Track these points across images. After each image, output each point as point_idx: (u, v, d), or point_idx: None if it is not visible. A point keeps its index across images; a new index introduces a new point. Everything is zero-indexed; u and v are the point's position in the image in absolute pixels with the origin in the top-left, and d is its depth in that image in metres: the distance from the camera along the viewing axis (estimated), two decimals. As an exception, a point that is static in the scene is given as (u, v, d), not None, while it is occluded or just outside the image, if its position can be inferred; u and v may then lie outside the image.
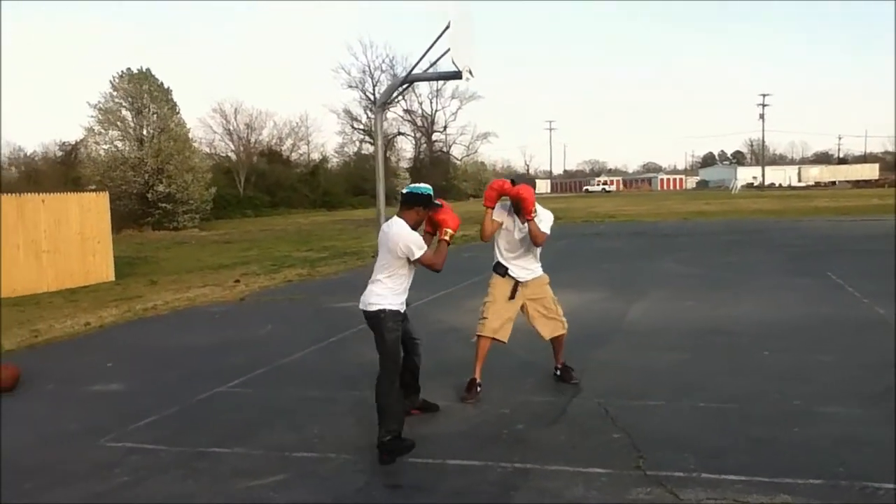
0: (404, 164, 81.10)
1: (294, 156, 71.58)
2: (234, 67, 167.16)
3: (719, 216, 32.59)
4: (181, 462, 4.78)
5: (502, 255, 5.98)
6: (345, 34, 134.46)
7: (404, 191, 5.05)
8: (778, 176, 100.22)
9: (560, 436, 5.02)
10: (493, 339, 5.94)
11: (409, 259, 4.82)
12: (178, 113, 37.89)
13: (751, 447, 4.64)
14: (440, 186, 79.64)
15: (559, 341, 6.21)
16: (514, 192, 5.62)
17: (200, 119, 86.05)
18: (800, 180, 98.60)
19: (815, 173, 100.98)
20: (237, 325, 9.75)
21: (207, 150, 57.50)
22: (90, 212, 15.35)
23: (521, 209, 5.68)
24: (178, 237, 31.01)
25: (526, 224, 5.73)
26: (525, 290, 5.99)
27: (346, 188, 62.56)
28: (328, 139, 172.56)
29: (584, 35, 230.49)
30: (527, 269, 5.98)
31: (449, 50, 9.22)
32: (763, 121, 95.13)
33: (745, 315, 9.06)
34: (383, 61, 75.69)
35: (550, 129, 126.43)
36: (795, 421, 5.09)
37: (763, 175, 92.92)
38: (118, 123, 36.84)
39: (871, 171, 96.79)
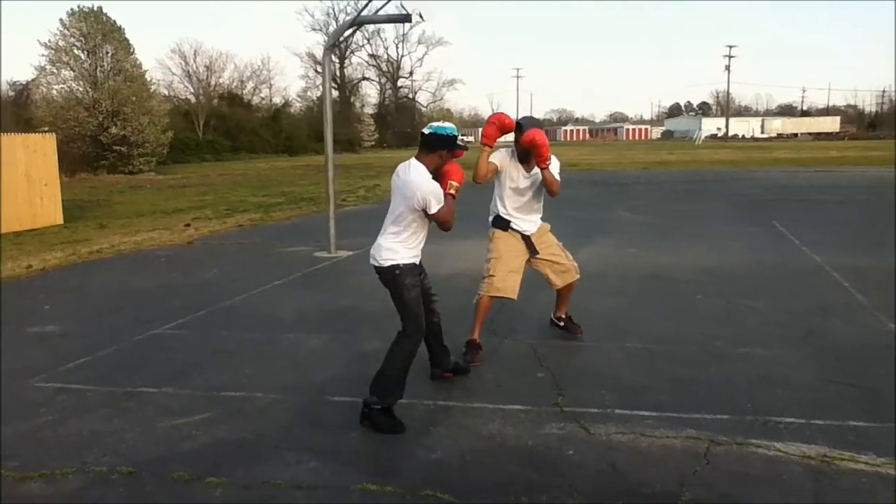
0: (369, 110, 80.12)
1: (255, 100, 70.32)
2: (194, 7, 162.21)
3: (680, 166, 32.86)
4: (108, 402, 4.79)
5: (505, 208, 5.50)
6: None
7: (426, 131, 4.32)
8: (742, 127, 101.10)
9: (488, 375, 5.12)
10: (503, 297, 5.50)
11: (425, 211, 4.21)
12: (132, 53, 36.79)
13: (669, 386, 4.79)
14: (406, 133, 79.15)
15: (566, 291, 5.82)
16: (529, 137, 5.09)
17: (159, 60, 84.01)
18: (763, 132, 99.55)
19: (777, 125, 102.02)
20: (182, 268, 9.68)
21: (166, 92, 56.21)
22: (36, 153, 14.95)
23: (535, 155, 5.18)
24: (133, 181, 30.41)
25: (532, 173, 5.34)
26: (533, 240, 5.59)
27: (308, 133, 61.63)
28: (291, 83, 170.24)
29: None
30: (531, 220, 5.57)
31: (396, -9, 9.06)
32: (729, 72, 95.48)
33: (687, 262, 9.24)
34: (348, 3, 73.92)
35: (517, 77, 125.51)
36: (715, 362, 5.25)
37: (727, 126, 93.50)
38: (71, 63, 35.69)
39: (832, 124, 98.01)
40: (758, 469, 3.57)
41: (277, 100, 73.37)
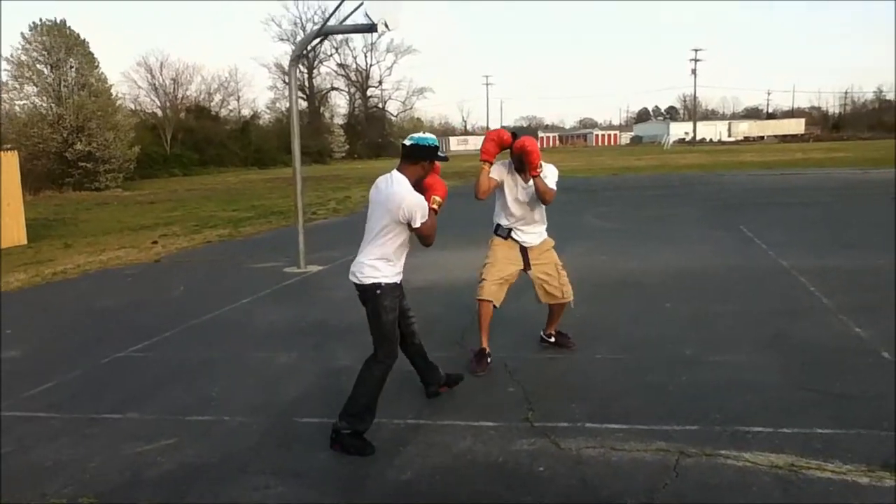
0: (339, 121, 79.94)
1: (223, 112, 69.75)
2: (159, 19, 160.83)
3: (649, 171, 33.15)
4: (72, 429, 4.68)
5: (506, 219, 5.50)
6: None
7: (407, 142, 4.24)
8: (709, 131, 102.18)
9: (458, 391, 5.07)
10: (489, 301, 5.44)
11: (409, 225, 4.11)
12: (97, 67, 36.37)
13: (639, 397, 4.80)
14: (376, 143, 79.06)
15: (557, 309, 5.76)
16: (519, 144, 5.10)
17: (124, 73, 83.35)
18: (730, 135, 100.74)
19: (744, 128, 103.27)
20: (149, 287, 9.54)
21: (132, 106, 55.60)
22: (-2, 172, 14.68)
23: (525, 164, 5.18)
24: (99, 198, 30.00)
25: (530, 182, 5.29)
26: (529, 254, 5.53)
27: (278, 145, 61.10)
28: (259, 94, 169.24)
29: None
30: (532, 232, 5.52)
31: (362, 3, 9.01)
32: (695, 76, 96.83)
33: (656, 267, 9.29)
34: (315, 13, 73.79)
35: (487, 85, 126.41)
36: (685, 369, 5.27)
37: (694, 130, 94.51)
38: (34, 78, 35.18)
39: (797, 126, 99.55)
40: (727, 480, 3.58)
41: (246, 112, 72.92)
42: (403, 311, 4.46)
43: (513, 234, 5.51)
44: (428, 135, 4.28)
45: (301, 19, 75.85)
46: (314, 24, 69.39)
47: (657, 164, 38.85)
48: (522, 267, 5.54)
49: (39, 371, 5.95)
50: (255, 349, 6.37)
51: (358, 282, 4.26)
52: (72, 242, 14.76)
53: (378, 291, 4.16)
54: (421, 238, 4.18)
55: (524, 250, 5.52)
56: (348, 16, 10.18)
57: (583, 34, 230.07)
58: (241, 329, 7.12)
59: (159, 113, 60.96)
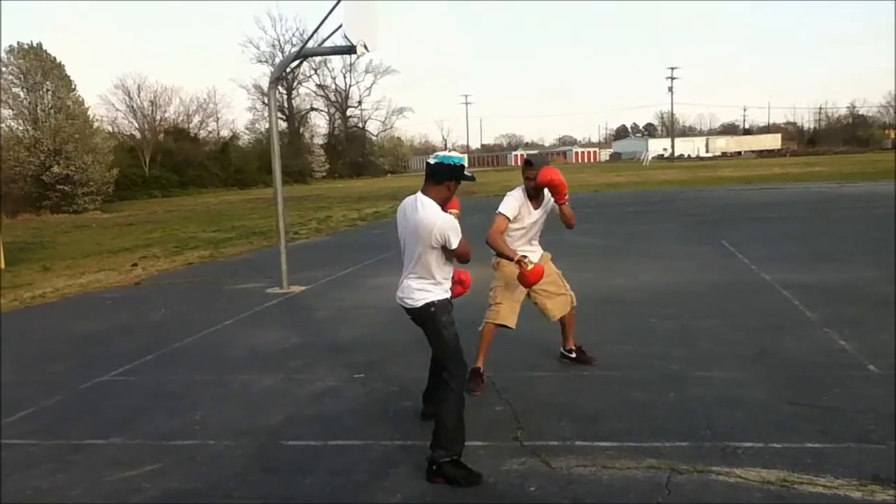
0: (319, 141, 79.98)
1: (202, 133, 69.76)
2: (137, 41, 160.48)
3: (629, 187, 33.37)
4: (53, 456, 4.59)
5: (511, 240, 5.45)
6: (253, 6, 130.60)
7: (431, 160, 4.05)
8: (687, 147, 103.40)
9: (446, 410, 5.03)
10: (504, 325, 5.49)
11: (444, 247, 3.98)
12: (74, 90, 36.17)
13: (628, 414, 4.77)
14: (356, 163, 79.11)
15: (569, 320, 5.79)
16: (547, 178, 5.14)
17: (101, 96, 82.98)
18: (707, 151, 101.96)
19: (721, 144, 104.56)
20: (130, 310, 9.42)
21: (110, 128, 55.33)
22: (-26, 196, 14.50)
23: (554, 194, 5.29)
24: (78, 220, 29.72)
25: (539, 209, 5.48)
26: None
27: (258, 166, 61.04)
28: (239, 115, 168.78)
29: (496, 5, 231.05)
30: (530, 250, 5.54)
31: (341, 25, 9.02)
32: (672, 94, 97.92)
33: (640, 283, 9.32)
34: (293, 35, 73.91)
35: (466, 104, 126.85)
36: (672, 385, 5.26)
37: (673, 146, 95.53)
38: (10, 101, 34.94)
39: (773, 142, 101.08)
40: (719, 496, 3.55)
41: (225, 133, 72.90)
42: None
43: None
44: (453, 153, 4.13)
45: (279, 41, 75.95)
46: (292, 45, 69.65)
47: (637, 181, 39.11)
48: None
49: (19, 397, 5.83)
50: (239, 371, 6.28)
51: (409, 306, 4.13)
52: (50, 266, 14.57)
53: (433, 310, 4.04)
54: (458, 258, 4.05)
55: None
56: (327, 38, 10.20)
57: (560, 53, 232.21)
58: (225, 351, 7.04)
59: (138, 135, 60.83)
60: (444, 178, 4.00)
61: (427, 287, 4.05)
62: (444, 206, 4.04)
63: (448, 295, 4.14)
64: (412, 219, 4.00)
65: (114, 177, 37.50)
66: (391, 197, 32.46)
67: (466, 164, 4.16)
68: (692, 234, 14.57)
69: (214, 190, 54.52)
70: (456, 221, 3.97)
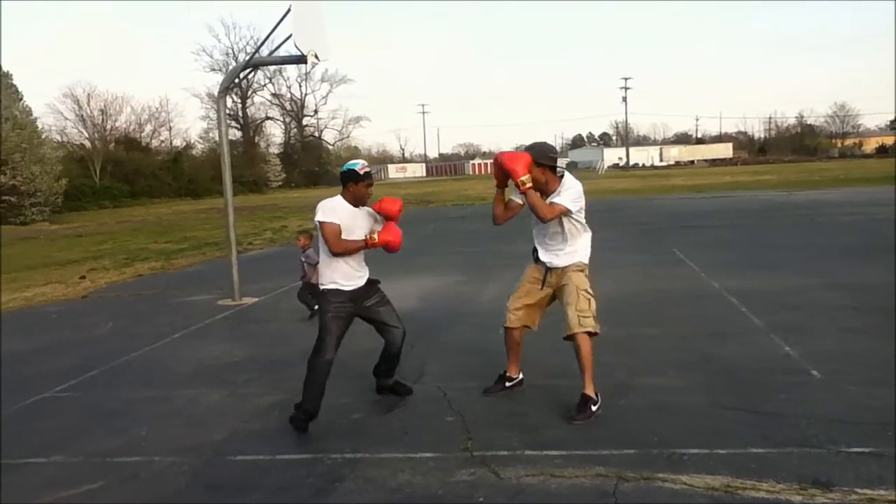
0: (274, 150, 79.30)
1: (154, 142, 68.69)
2: (86, 49, 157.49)
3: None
4: (-12, 476, 4.43)
5: (534, 238, 5.23)
6: (205, 14, 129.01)
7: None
8: (642, 156, 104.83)
9: (395, 422, 5.00)
10: (524, 326, 5.29)
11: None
12: (21, 100, 35.33)
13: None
14: (313, 172, 78.60)
15: (576, 349, 4.93)
16: (495, 158, 4.87)
17: (49, 105, 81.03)
18: (661, 160, 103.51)
19: (675, 153, 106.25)
20: (75, 325, 9.18)
21: (59, 138, 54.19)
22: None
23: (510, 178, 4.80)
24: (25, 232, 29.00)
25: (551, 198, 4.95)
26: (552, 278, 5.13)
27: (212, 175, 60.08)
28: (192, 124, 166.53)
29: (451, 14, 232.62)
30: (557, 254, 5.11)
31: (291, 35, 8.95)
32: (626, 103, 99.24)
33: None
34: (247, 43, 73.19)
35: (423, 113, 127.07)
36: (618, 393, 5.28)
37: (627, 156, 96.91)
38: (-47, 111, 33.97)
39: (725, 150, 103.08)
40: (665, 503, 3.58)
41: (178, 142, 71.84)
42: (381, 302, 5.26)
43: (539, 254, 5.21)
44: (354, 160, 5.06)
45: (233, 49, 74.95)
46: (246, 54, 68.95)
47: (591, 189, 39.27)
48: (551, 290, 5.16)
49: (-47, 417, 5.63)
50: (184, 387, 6.16)
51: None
52: (-7, 279, 14.16)
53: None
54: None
55: (548, 271, 5.15)
56: (278, 47, 10.13)
57: (516, 62, 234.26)
58: (171, 366, 6.89)
59: (88, 144, 59.63)
60: (344, 182, 4.96)
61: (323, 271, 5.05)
62: (356, 204, 4.96)
63: (332, 286, 4.97)
64: None
65: (62, 187, 36.72)
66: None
67: (363, 167, 4.97)
68: (641, 242, 14.74)
69: (167, 200, 53.71)
70: (324, 203, 4.92)
